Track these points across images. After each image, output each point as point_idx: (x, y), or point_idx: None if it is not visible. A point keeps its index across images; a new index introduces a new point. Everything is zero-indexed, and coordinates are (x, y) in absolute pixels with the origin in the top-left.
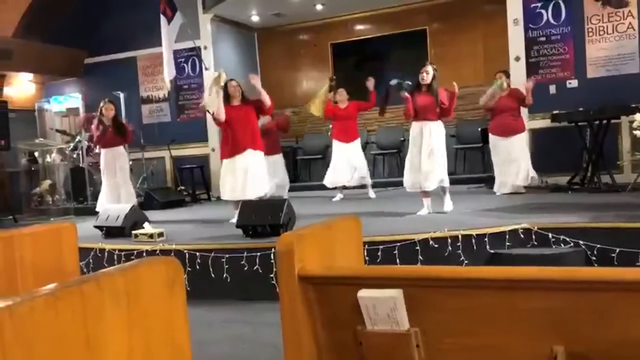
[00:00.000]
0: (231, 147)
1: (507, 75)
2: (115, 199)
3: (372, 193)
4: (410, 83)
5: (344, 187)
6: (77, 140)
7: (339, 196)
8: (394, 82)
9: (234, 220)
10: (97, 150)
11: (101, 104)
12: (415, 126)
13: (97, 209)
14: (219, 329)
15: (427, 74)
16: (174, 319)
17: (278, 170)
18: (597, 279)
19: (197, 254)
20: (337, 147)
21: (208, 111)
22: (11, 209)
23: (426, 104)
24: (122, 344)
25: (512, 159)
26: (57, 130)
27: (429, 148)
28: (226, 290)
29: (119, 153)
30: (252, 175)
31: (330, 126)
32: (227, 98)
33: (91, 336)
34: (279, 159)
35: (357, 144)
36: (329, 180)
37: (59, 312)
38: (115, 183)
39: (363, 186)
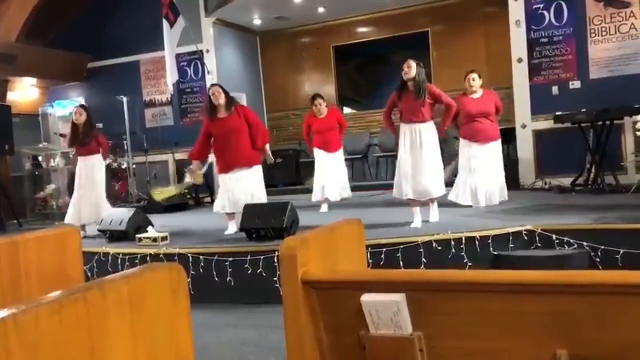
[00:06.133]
0: (221, 165)
1: (479, 76)
2: (76, 214)
3: (325, 207)
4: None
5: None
6: None
7: (325, 207)
8: None
9: (228, 231)
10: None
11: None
12: (402, 128)
13: (65, 221)
14: (222, 333)
15: (409, 68)
16: (177, 325)
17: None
18: (600, 282)
19: (201, 257)
20: (320, 157)
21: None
22: (15, 214)
23: (411, 103)
24: (126, 350)
25: (488, 168)
26: (61, 135)
27: (418, 153)
28: (230, 294)
29: (91, 163)
30: (244, 193)
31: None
32: (213, 110)
33: (95, 343)
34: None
35: (339, 155)
36: (317, 196)
37: (64, 319)
38: (80, 195)
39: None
